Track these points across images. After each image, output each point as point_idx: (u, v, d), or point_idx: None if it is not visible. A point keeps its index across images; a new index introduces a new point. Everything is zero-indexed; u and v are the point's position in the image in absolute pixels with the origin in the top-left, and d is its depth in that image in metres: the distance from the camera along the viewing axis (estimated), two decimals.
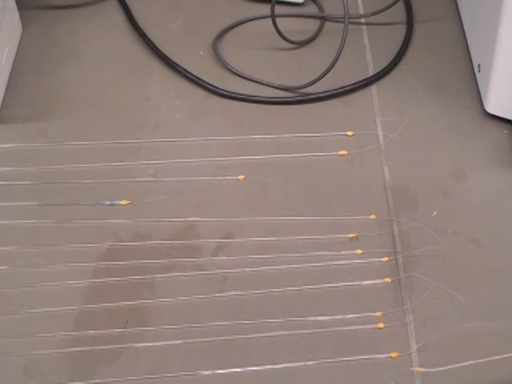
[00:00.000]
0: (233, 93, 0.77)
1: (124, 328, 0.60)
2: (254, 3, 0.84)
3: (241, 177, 0.70)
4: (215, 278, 0.63)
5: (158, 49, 0.81)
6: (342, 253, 0.64)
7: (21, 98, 0.76)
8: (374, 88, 0.77)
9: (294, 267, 0.63)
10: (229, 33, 0.83)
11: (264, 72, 0.79)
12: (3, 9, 0.78)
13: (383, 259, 0.64)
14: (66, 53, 0.82)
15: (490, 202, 0.67)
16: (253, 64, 0.79)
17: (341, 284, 0.62)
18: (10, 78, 0.78)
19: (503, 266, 0.63)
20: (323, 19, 0.84)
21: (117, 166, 0.71)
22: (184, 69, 0.78)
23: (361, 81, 0.77)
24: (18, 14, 0.82)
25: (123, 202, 0.68)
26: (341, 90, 0.76)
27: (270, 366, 0.57)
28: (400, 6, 0.84)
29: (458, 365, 0.57)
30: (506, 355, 0.57)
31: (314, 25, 0.84)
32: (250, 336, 0.59)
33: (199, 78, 0.78)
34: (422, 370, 0.57)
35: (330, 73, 0.74)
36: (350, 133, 0.73)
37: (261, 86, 0.78)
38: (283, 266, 0.63)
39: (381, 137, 0.73)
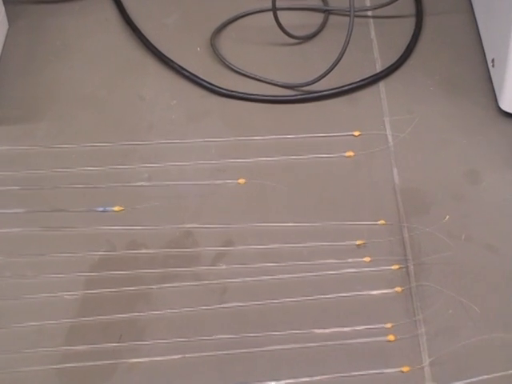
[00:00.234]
0: (232, 91, 0.77)
1: (118, 342, 0.60)
2: None
3: (241, 180, 0.70)
4: (215, 288, 0.63)
5: (152, 45, 0.81)
6: (349, 261, 0.64)
7: (7, 98, 0.77)
8: (381, 85, 0.77)
9: (298, 276, 0.63)
10: (228, 27, 0.84)
11: (265, 69, 0.79)
12: None
13: (393, 267, 0.64)
14: (54, 50, 0.82)
15: (506, 206, 0.67)
16: (253, 60, 0.80)
17: (348, 294, 0.62)
18: None
19: None
20: (328, 12, 0.85)
21: (109, 169, 0.71)
22: (180, 66, 0.79)
23: (368, 78, 0.77)
24: (3, 9, 0.82)
25: (116, 209, 0.68)
26: (347, 87, 0.76)
27: (274, 383, 0.57)
28: None
29: (473, 379, 0.57)
30: None
31: (317, 18, 0.84)
32: (252, 350, 0.59)
33: (196, 76, 0.78)
34: None
35: (335, 69, 0.75)
36: (356, 133, 0.73)
37: (262, 83, 0.78)
38: (287, 276, 0.63)
39: (389, 137, 0.73)
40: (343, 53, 0.73)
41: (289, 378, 0.57)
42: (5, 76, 0.79)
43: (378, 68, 0.79)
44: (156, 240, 0.66)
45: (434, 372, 0.57)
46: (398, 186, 0.69)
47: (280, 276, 0.63)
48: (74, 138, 0.73)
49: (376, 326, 0.60)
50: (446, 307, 0.61)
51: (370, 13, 0.84)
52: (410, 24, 0.82)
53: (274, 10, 0.77)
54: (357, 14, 0.80)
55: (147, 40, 0.81)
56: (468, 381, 0.57)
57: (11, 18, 0.83)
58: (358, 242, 0.65)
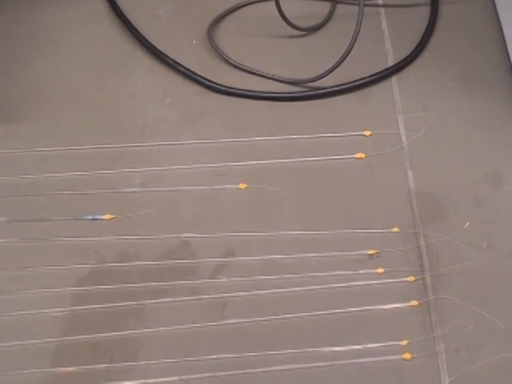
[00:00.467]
0: (232, 88, 0.77)
1: (110, 363, 0.60)
2: None
3: (242, 185, 0.70)
4: (214, 303, 0.63)
5: (144, 38, 0.81)
6: (361, 272, 0.65)
7: None
8: (394, 80, 0.77)
9: (305, 290, 0.64)
10: (226, 18, 0.83)
11: (268, 63, 0.79)
12: None
13: (408, 279, 0.64)
14: (38, 45, 0.82)
15: None
16: (254, 54, 0.79)
17: (360, 308, 0.62)
18: None
19: None
20: (335, 1, 0.84)
21: (98, 174, 0.71)
22: (175, 61, 0.79)
23: (379, 72, 0.77)
24: None
25: (106, 217, 0.68)
26: (356, 83, 0.76)
27: None
28: None
29: None
30: None
31: (324, 8, 0.83)
32: (255, 370, 0.60)
33: (192, 72, 0.78)
34: None
35: (343, 64, 0.74)
36: (367, 132, 0.73)
37: (264, 79, 0.78)
38: (293, 289, 0.64)
39: (403, 137, 0.73)
40: (352, 45, 0.73)
41: None
42: None
43: (390, 62, 0.78)
44: (150, 251, 0.66)
45: None
46: (413, 190, 0.69)
47: (285, 289, 0.64)
48: (59, 140, 0.73)
49: (390, 344, 0.61)
50: (466, 322, 0.61)
51: (380, 1, 0.84)
52: (424, 13, 0.82)
53: None
54: (367, 2, 0.80)
55: (138, 33, 0.81)
56: None
57: None
58: (370, 252, 0.66)
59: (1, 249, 0.66)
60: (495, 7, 0.82)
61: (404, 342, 0.60)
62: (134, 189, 0.70)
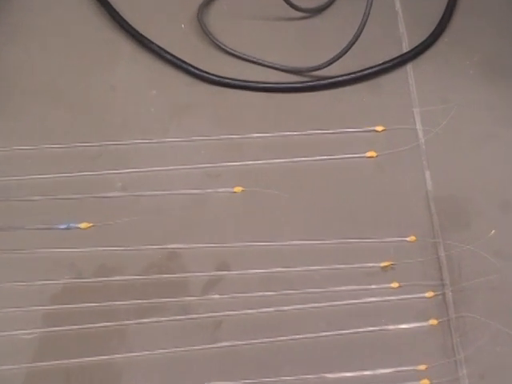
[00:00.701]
0: (225, 78, 0.77)
1: None
2: None
3: (238, 189, 0.70)
4: (206, 323, 0.63)
5: (125, 22, 0.81)
6: (373, 287, 0.65)
7: None
8: (409, 68, 0.77)
9: (308, 308, 0.64)
10: None
11: (265, 50, 0.79)
12: None
13: (427, 294, 0.64)
14: (6, 31, 0.81)
15: None
16: (251, 40, 0.80)
17: (372, 328, 0.62)
18: None
19: None
20: None
21: (74, 177, 0.71)
22: (160, 48, 0.78)
23: (392, 59, 0.77)
24: None
25: (83, 226, 0.68)
26: (366, 71, 0.76)
27: None
28: None
29: None
30: None
31: None
32: None
33: (180, 60, 0.78)
34: None
35: (351, 50, 0.74)
36: (379, 128, 0.73)
37: (262, 68, 0.78)
38: (295, 307, 0.64)
39: (420, 132, 0.73)
40: (361, 29, 0.73)
41: None
42: None
43: (405, 47, 0.79)
44: (133, 264, 0.66)
45: None
46: (432, 193, 0.69)
47: (286, 307, 0.64)
48: (29, 139, 0.73)
49: (407, 369, 0.61)
50: (492, 343, 0.61)
51: None
52: None
53: None
54: None
55: (119, 16, 0.81)
56: None
57: None
58: (382, 264, 0.66)
59: None
60: None
61: (422, 367, 0.60)
62: (115, 193, 0.70)
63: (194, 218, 0.69)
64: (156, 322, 0.63)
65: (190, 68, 0.77)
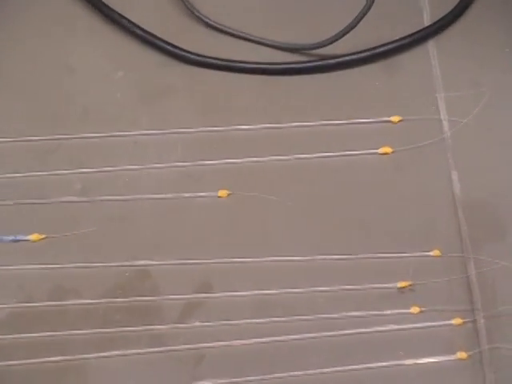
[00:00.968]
0: (207, 57, 0.76)
1: None
2: None
3: (223, 193, 0.69)
4: (184, 357, 0.62)
5: None
6: (388, 313, 0.64)
7: None
8: (431, 46, 0.76)
9: (310, 337, 0.63)
10: None
11: (256, 24, 0.77)
12: None
13: (454, 322, 0.63)
14: None
15: None
16: (239, 11, 0.79)
17: (387, 363, 0.61)
18: None
19: None
20: None
21: (23, 178, 0.70)
22: (129, 21, 0.77)
23: (411, 34, 0.76)
24: None
25: (33, 237, 0.67)
26: (380, 49, 0.75)
27: None
28: None
29: None
30: None
31: None
32: None
33: (153, 35, 0.77)
34: None
35: (361, 23, 0.72)
36: (395, 118, 0.72)
37: (252, 45, 0.77)
38: (293, 337, 0.63)
39: (445, 124, 0.72)
40: None
41: None
42: None
43: (427, 20, 0.78)
44: (94, 284, 0.65)
45: None
46: (460, 198, 0.69)
47: (281, 338, 0.63)
48: None
49: None
50: None
51: None
52: None
53: None
54: None
55: None
56: None
57: None
58: (400, 284, 0.65)
59: None
60: None
61: None
62: (72, 197, 0.69)
63: (169, 229, 0.68)
64: (122, 355, 0.62)
65: (164, 45, 0.76)
